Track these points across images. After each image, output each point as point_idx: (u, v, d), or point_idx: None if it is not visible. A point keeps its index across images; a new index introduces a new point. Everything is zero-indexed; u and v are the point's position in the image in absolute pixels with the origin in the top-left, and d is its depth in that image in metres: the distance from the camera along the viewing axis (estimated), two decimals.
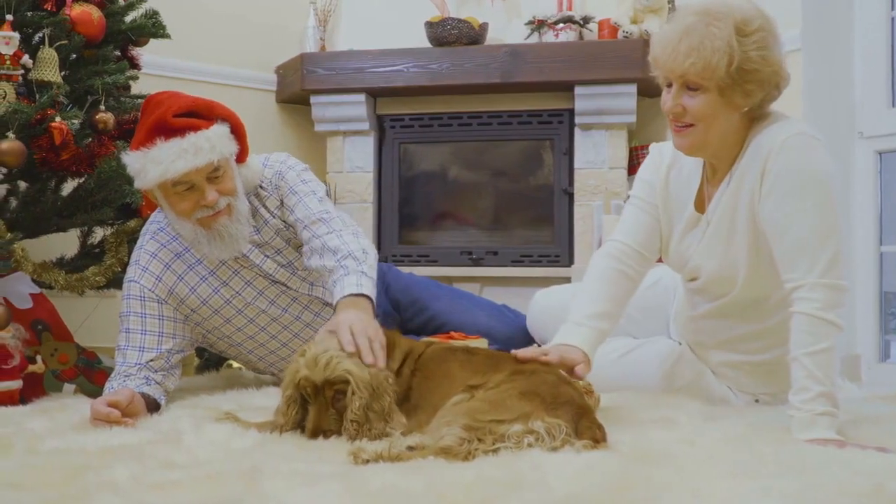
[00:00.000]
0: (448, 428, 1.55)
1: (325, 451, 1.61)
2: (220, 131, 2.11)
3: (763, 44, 1.87)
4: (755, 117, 1.99)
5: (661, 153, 2.17)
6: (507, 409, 1.59)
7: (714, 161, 2.05)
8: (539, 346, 2.63)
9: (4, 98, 2.25)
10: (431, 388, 1.76)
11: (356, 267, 2.09)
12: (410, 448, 1.54)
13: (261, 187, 2.31)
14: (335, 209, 2.31)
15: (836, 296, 1.82)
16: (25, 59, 2.36)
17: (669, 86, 1.96)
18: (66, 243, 2.81)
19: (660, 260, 2.27)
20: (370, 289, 2.04)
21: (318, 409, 1.73)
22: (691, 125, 1.95)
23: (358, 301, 1.98)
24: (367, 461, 1.49)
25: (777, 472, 1.44)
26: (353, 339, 1.78)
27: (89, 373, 2.51)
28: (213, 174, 2.11)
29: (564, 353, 1.97)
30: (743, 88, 1.89)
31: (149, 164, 2.05)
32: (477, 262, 4.14)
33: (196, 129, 2.07)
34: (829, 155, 1.92)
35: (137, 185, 2.14)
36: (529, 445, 1.51)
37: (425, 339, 2.08)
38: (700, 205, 2.11)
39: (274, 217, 2.32)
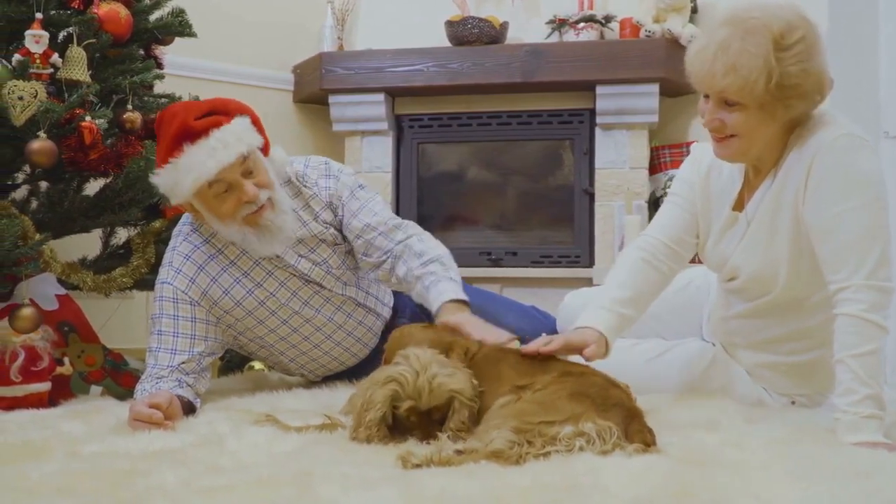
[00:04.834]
0: (497, 431, 1.53)
1: (371, 455, 1.59)
2: (241, 123, 2.11)
3: (803, 56, 1.82)
4: (799, 119, 1.96)
5: (703, 153, 2.15)
6: (557, 410, 1.57)
7: (756, 162, 2.03)
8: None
9: (36, 97, 2.23)
10: (483, 390, 1.73)
11: (444, 273, 2.19)
12: (459, 452, 1.51)
13: (305, 186, 2.30)
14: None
15: (882, 297, 1.79)
16: (55, 57, 2.34)
17: (707, 95, 1.93)
18: (87, 244, 2.79)
19: (691, 261, 2.25)
20: (464, 295, 2.15)
21: (427, 428, 1.70)
22: (732, 136, 1.93)
23: (459, 307, 2.09)
24: (418, 465, 1.47)
25: (835, 476, 1.42)
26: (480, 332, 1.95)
27: (116, 375, 2.49)
28: (246, 169, 2.11)
29: (571, 338, 1.95)
30: (784, 103, 1.85)
31: (181, 175, 2.04)
32: (496, 263, 4.12)
33: (218, 125, 2.06)
34: (876, 156, 1.89)
35: (174, 201, 2.13)
36: (581, 449, 1.49)
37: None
38: (738, 204, 2.09)
39: (316, 220, 2.31)
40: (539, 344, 1.88)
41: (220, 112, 2.10)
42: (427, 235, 2.34)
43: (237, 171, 2.09)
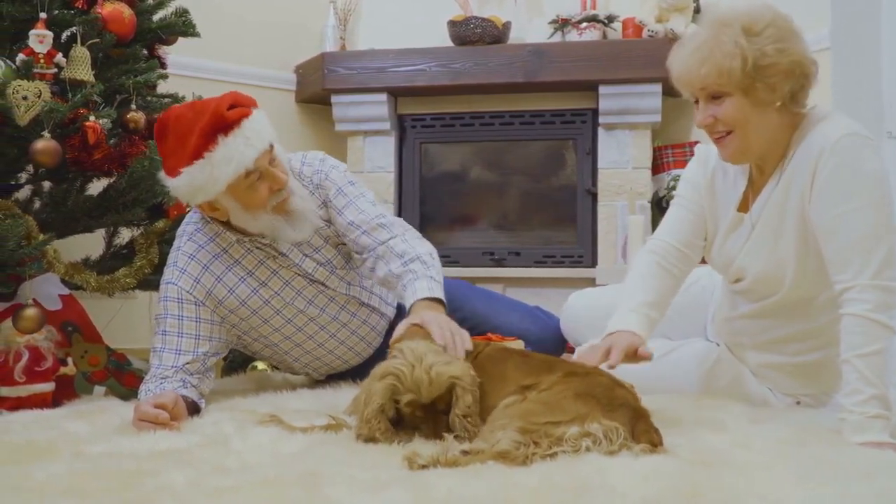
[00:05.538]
0: (503, 431, 1.52)
1: (378, 456, 1.58)
2: (260, 114, 2.12)
3: (776, 37, 1.87)
4: (798, 115, 1.97)
5: (707, 154, 2.16)
6: (563, 410, 1.56)
7: (760, 162, 2.03)
8: (573, 348, 2.60)
9: (40, 97, 2.22)
10: (486, 389, 1.73)
11: (424, 271, 2.14)
12: (465, 452, 1.51)
13: (301, 185, 2.30)
14: (388, 212, 2.33)
15: (888, 297, 1.80)
16: (59, 57, 2.34)
17: (698, 102, 1.97)
18: (91, 244, 2.79)
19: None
20: (441, 293, 2.08)
21: (434, 423, 1.69)
22: (729, 132, 1.95)
23: (432, 305, 2.03)
24: (424, 466, 1.47)
25: (842, 476, 1.42)
26: (442, 333, 1.84)
27: (119, 375, 2.49)
28: (271, 157, 2.12)
29: (621, 343, 1.94)
30: (765, 83, 1.88)
31: (217, 168, 2.02)
32: (499, 263, 4.12)
33: (247, 115, 2.07)
34: (880, 155, 1.90)
35: (200, 199, 2.10)
36: (587, 449, 1.49)
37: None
38: (743, 205, 2.09)
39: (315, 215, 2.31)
40: (599, 357, 1.88)
41: (241, 104, 2.10)
42: (412, 234, 2.30)
43: (267, 159, 2.10)
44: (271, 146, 2.12)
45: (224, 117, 2.02)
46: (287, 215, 2.18)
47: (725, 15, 1.91)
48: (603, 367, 1.86)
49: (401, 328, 1.92)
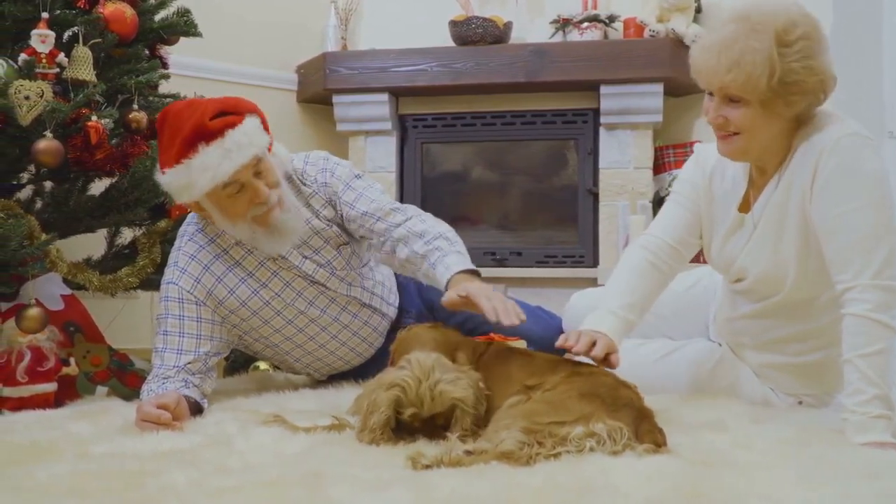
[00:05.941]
0: (507, 431, 1.53)
1: (381, 456, 1.58)
2: (252, 124, 2.10)
3: (806, 52, 1.83)
4: (803, 118, 1.97)
5: (706, 156, 2.15)
6: (567, 410, 1.57)
7: (760, 163, 2.03)
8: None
9: (42, 97, 2.22)
10: (491, 389, 1.73)
11: (450, 247, 2.14)
12: (468, 452, 1.51)
13: (304, 184, 2.30)
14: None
15: (889, 297, 1.80)
16: (61, 57, 2.34)
17: (712, 93, 1.94)
18: (92, 244, 2.79)
19: (696, 260, 2.25)
20: (473, 266, 2.09)
21: (431, 432, 1.70)
22: (736, 133, 1.93)
23: (469, 277, 2.04)
24: (428, 466, 1.47)
25: (844, 476, 1.42)
26: (492, 306, 1.87)
27: (122, 375, 2.49)
28: (258, 169, 2.10)
29: (603, 339, 1.94)
30: (786, 100, 1.86)
31: (195, 174, 2.03)
32: (501, 263, 4.11)
33: (233, 126, 2.05)
34: (880, 155, 1.90)
35: (184, 199, 2.11)
36: (591, 449, 1.49)
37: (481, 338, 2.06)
38: (744, 205, 2.09)
39: (318, 217, 2.30)
40: (585, 346, 1.88)
41: (231, 111, 2.09)
42: (427, 215, 2.30)
43: (250, 171, 2.09)
44: (258, 159, 2.09)
45: (205, 127, 2.02)
46: (267, 227, 2.16)
47: (758, 15, 1.85)
48: (584, 359, 1.87)
49: (451, 294, 1.95)
